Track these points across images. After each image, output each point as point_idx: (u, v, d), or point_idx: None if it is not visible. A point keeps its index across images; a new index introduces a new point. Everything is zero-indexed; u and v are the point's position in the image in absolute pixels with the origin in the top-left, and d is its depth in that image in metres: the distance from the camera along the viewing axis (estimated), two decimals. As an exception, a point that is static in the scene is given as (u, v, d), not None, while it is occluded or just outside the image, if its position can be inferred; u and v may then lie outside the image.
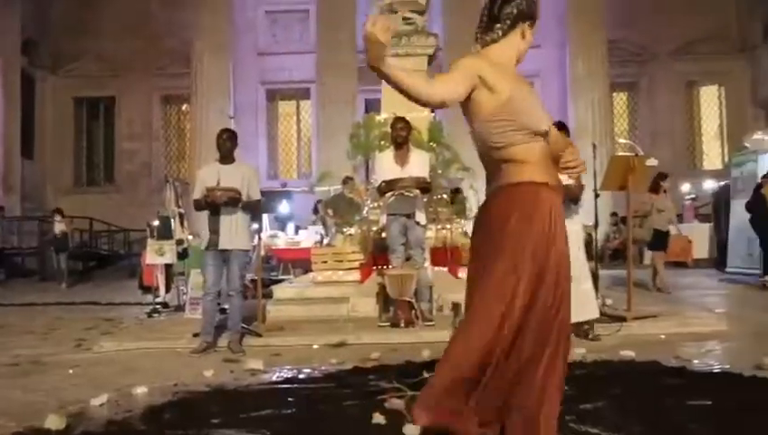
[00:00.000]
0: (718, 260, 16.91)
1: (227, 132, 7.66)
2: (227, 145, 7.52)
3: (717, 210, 17.44)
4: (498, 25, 3.41)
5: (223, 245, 7.29)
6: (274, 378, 5.96)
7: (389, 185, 8.21)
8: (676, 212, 13.17)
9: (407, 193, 8.20)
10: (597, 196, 8.23)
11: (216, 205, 7.25)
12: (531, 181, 3.27)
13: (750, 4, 24.79)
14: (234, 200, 7.24)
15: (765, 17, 23.43)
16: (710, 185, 20.18)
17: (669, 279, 12.42)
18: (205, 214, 7.45)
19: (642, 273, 12.66)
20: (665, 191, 12.54)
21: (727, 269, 15.63)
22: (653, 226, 12.27)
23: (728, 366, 5.78)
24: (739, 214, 14.30)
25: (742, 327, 7.77)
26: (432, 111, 11.32)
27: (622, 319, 7.87)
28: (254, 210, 7.73)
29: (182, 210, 11.38)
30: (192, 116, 23.00)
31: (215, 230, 7.31)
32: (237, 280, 7.45)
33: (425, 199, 8.79)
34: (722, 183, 18.86)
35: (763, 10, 23.33)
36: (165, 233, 11.21)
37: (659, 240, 12.44)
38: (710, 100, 26.64)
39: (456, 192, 11.59)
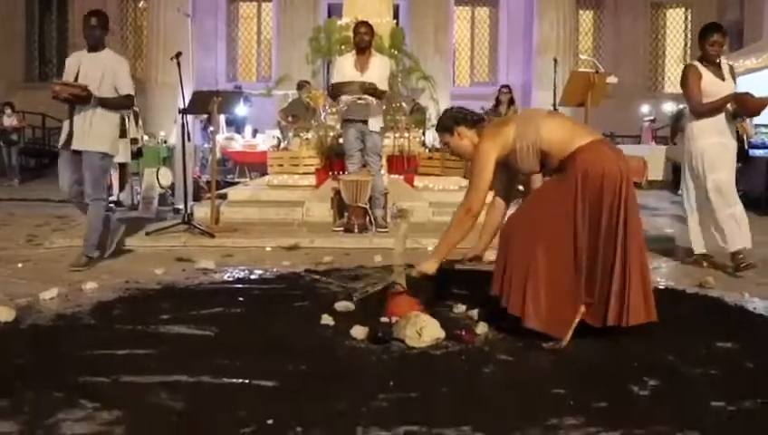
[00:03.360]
0: (672, 182, 17.12)
1: (95, 17, 6.52)
2: (95, 33, 6.49)
3: (675, 133, 17.53)
4: None
5: (74, 145, 6.37)
6: (226, 278, 5.98)
7: (336, 88, 8.19)
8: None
9: (359, 101, 8.13)
10: (555, 110, 8.21)
11: (63, 100, 6.37)
12: None
13: (721, -75, 24.58)
14: (78, 98, 6.27)
15: (735, -60, 23.28)
16: (670, 108, 20.23)
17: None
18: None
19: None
20: None
21: (679, 192, 15.83)
22: None
23: (673, 283, 5.91)
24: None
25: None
26: (395, 18, 11.18)
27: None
28: (120, 107, 6.67)
29: (137, 108, 11.21)
30: (149, 14, 22.38)
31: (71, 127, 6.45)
32: (91, 186, 6.40)
33: (383, 107, 8.73)
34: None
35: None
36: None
37: None
38: (676, 23, 26.54)
39: (415, 104, 11.49)
